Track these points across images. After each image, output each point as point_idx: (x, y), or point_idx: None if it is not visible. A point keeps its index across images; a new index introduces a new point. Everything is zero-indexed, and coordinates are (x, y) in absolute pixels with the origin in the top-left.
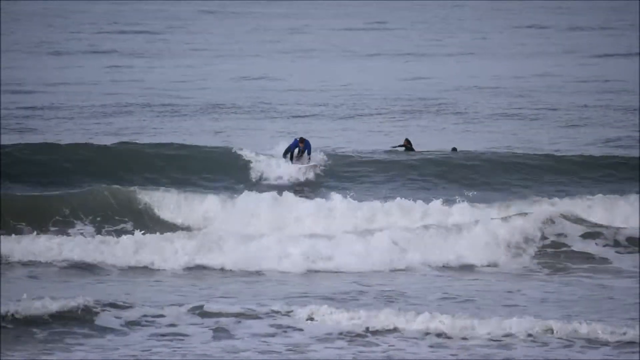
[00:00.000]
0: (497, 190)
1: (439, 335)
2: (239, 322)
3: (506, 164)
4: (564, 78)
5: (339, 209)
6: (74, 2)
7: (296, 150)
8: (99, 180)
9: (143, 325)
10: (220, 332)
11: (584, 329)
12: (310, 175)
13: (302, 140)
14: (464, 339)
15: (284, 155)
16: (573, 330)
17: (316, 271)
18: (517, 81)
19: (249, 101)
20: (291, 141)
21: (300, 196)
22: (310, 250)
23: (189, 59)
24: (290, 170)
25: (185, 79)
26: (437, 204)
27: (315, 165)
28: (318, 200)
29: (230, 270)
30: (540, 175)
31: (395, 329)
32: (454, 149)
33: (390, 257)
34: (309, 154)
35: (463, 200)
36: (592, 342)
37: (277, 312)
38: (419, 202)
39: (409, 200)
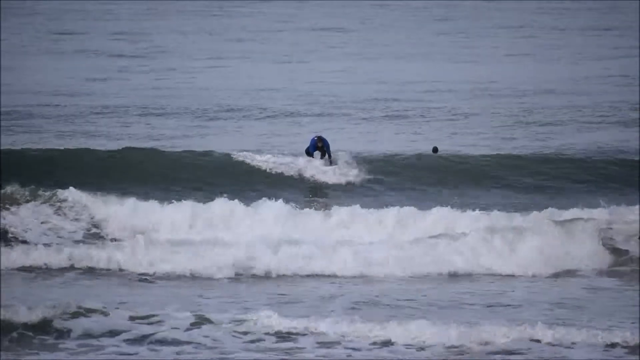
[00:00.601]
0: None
1: (421, 342)
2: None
3: (491, 166)
4: (556, 79)
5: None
6: (66, 2)
7: (317, 154)
8: (85, 186)
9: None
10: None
11: (567, 332)
12: (334, 178)
13: (320, 139)
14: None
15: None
16: (559, 334)
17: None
18: (509, 82)
19: (234, 103)
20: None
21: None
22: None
23: (176, 61)
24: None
25: (174, 80)
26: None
27: (337, 167)
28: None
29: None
30: (532, 177)
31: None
32: (435, 149)
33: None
34: (329, 155)
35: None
36: (578, 345)
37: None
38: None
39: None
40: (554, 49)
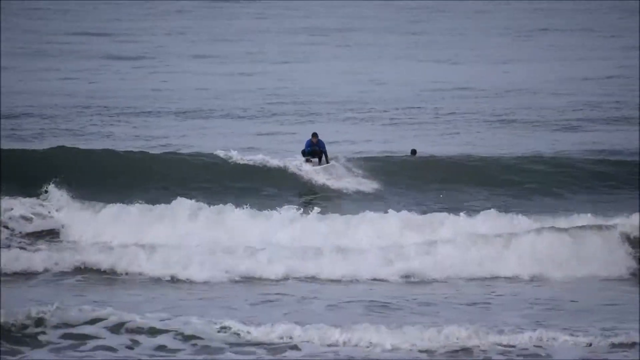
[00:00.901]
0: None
1: (414, 343)
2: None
3: (488, 167)
4: (555, 79)
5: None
6: (57, 2)
7: (316, 160)
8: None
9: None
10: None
11: (552, 333)
12: (330, 180)
13: (315, 134)
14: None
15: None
16: (544, 335)
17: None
18: (508, 83)
19: (233, 104)
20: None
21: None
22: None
23: (174, 60)
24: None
25: (167, 81)
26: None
27: (332, 165)
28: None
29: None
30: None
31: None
32: (413, 152)
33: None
34: (325, 155)
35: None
36: (563, 346)
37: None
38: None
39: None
40: (553, 49)
